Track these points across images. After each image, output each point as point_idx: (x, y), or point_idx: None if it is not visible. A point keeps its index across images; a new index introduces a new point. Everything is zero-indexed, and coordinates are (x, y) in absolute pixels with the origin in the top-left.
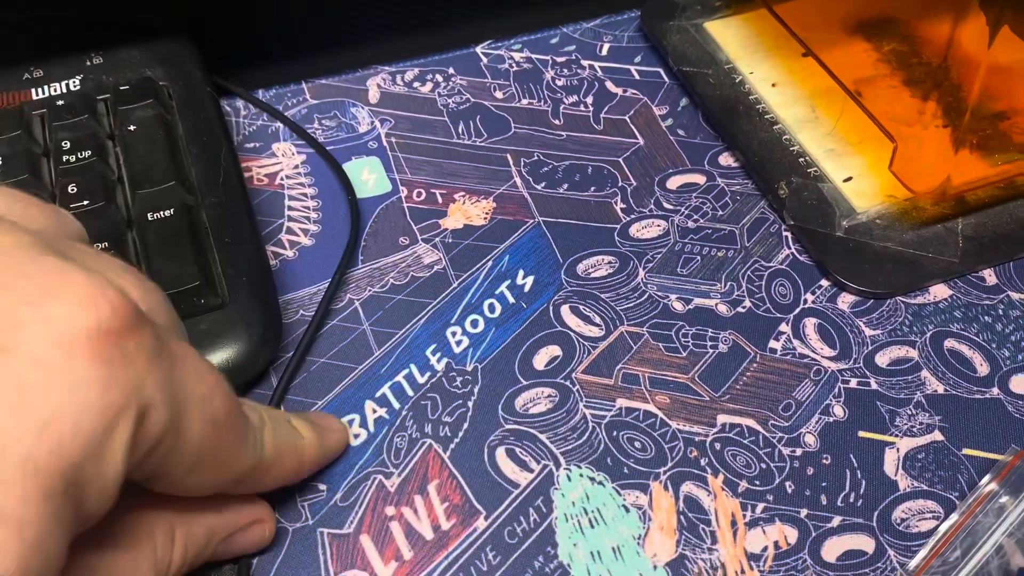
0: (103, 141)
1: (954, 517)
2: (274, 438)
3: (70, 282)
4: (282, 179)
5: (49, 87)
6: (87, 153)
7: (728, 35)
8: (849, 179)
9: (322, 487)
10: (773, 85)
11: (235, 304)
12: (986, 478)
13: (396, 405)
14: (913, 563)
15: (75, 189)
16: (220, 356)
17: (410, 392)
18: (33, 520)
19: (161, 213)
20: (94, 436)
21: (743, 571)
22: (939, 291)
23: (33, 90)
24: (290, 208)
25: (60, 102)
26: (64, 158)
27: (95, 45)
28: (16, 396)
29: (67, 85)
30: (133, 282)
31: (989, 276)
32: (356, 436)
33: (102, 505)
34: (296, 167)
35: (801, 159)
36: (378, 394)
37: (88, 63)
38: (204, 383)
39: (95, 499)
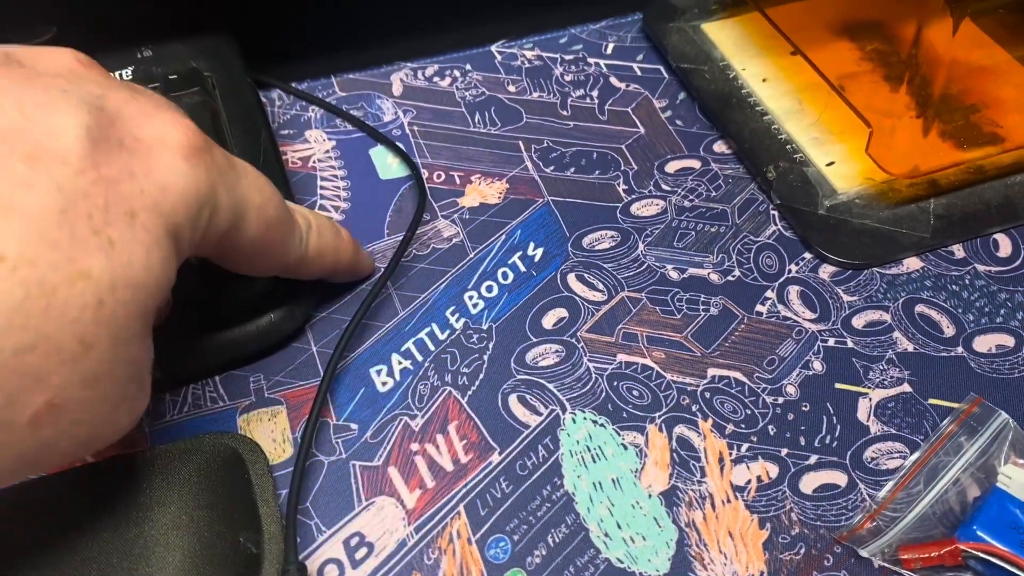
0: None
1: (917, 455)
2: (318, 239)
3: (163, 112)
4: (314, 162)
5: None
6: None
7: (723, 35)
8: (831, 164)
9: (354, 427)
10: (763, 80)
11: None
12: (946, 421)
13: (419, 358)
14: (881, 494)
15: None
16: (263, 317)
17: (431, 347)
18: (160, 240)
19: None
20: (189, 210)
21: (728, 500)
22: (912, 263)
23: None
24: (322, 188)
25: None
26: None
27: (144, 40)
28: (145, 166)
29: (120, 75)
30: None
31: (958, 250)
32: (384, 384)
33: (188, 251)
34: (327, 151)
35: (788, 146)
36: (403, 348)
37: (139, 55)
38: (261, 194)
39: (187, 247)
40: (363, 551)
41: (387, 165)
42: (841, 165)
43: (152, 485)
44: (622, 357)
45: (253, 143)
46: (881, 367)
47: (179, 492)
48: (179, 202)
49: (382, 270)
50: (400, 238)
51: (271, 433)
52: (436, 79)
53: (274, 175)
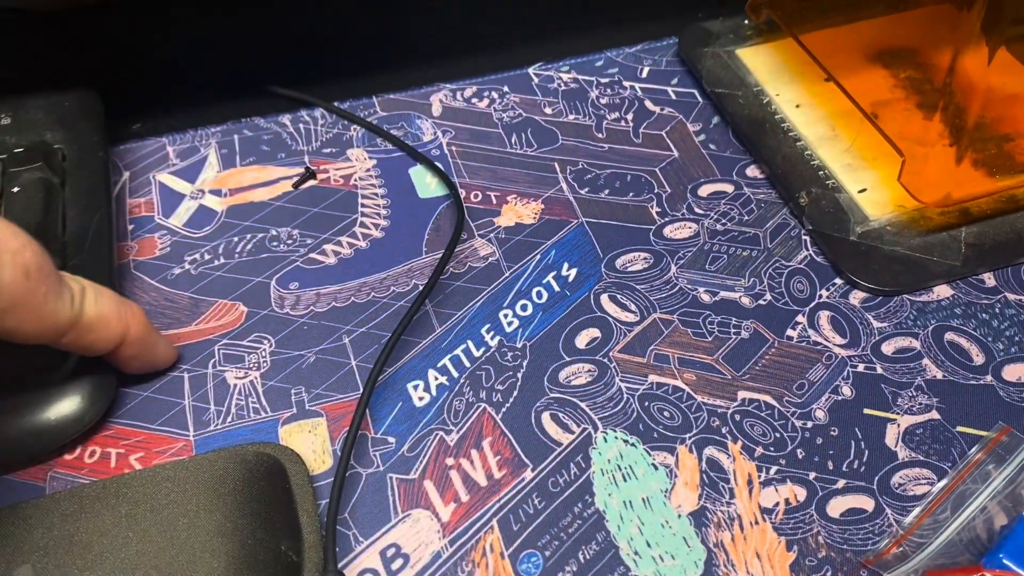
0: None
1: (945, 481)
2: (96, 304)
3: None
4: (355, 180)
5: None
6: None
7: (757, 61)
8: (863, 190)
9: (391, 440)
10: (797, 106)
11: (81, 367)
12: (974, 449)
13: (455, 374)
14: (908, 520)
15: None
16: (60, 408)
17: (467, 363)
18: None
19: None
20: None
21: (756, 522)
22: (942, 291)
23: None
24: (363, 205)
25: None
26: None
27: (7, 107)
28: None
29: None
30: None
31: (988, 279)
32: (420, 399)
33: None
34: (368, 170)
35: (820, 172)
36: (439, 364)
37: None
38: (16, 239)
39: None
40: (399, 562)
41: (426, 184)
42: (873, 192)
43: (199, 492)
44: (654, 378)
45: (85, 226)
46: (910, 394)
47: (224, 500)
48: None
49: (420, 287)
50: (438, 256)
51: (311, 444)
52: (474, 100)
53: (98, 261)
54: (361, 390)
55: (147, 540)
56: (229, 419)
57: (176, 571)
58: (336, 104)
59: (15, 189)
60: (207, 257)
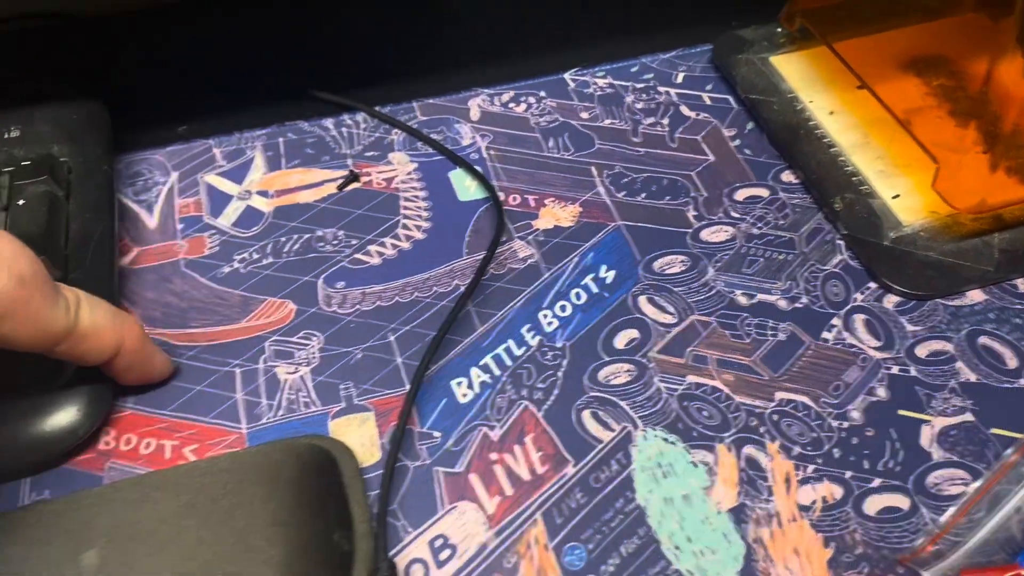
0: None
1: (980, 482)
2: (91, 314)
3: None
4: (397, 183)
5: None
6: None
7: (791, 68)
8: (897, 196)
9: (436, 434)
10: (830, 113)
11: (77, 378)
12: (1009, 450)
13: (497, 372)
14: (943, 519)
15: None
16: (57, 419)
17: (508, 362)
18: None
19: None
20: None
21: (794, 519)
22: (975, 295)
23: None
24: (404, 208)
25: None
26: None
27: (15, 119)
28: None
29: None
30: None
31: (1022, 284)
32: (464, 395)
33: None
34: (409, 173)
35: (854, 178)
36: (481, 362)
37: (5, 135)
38: (11, 247)
39: None
40: (447, 552)
41: (465, 187)
42: (906, 198)
43: (255, 482)
44: (692, 378)
45: (87, 240)
46: (944, 396)
47: (280, 490)
48: None
49: (462, 288)
50: (478, 257)
51: (360, 438)
52: (511, 105)
53: (100, 276)
54: (407, 386)
55: (207, 528)
56: (280, 413)
57: (235, 558)
58: (377, 109)
59: (20, 202)
60: (255, 256)
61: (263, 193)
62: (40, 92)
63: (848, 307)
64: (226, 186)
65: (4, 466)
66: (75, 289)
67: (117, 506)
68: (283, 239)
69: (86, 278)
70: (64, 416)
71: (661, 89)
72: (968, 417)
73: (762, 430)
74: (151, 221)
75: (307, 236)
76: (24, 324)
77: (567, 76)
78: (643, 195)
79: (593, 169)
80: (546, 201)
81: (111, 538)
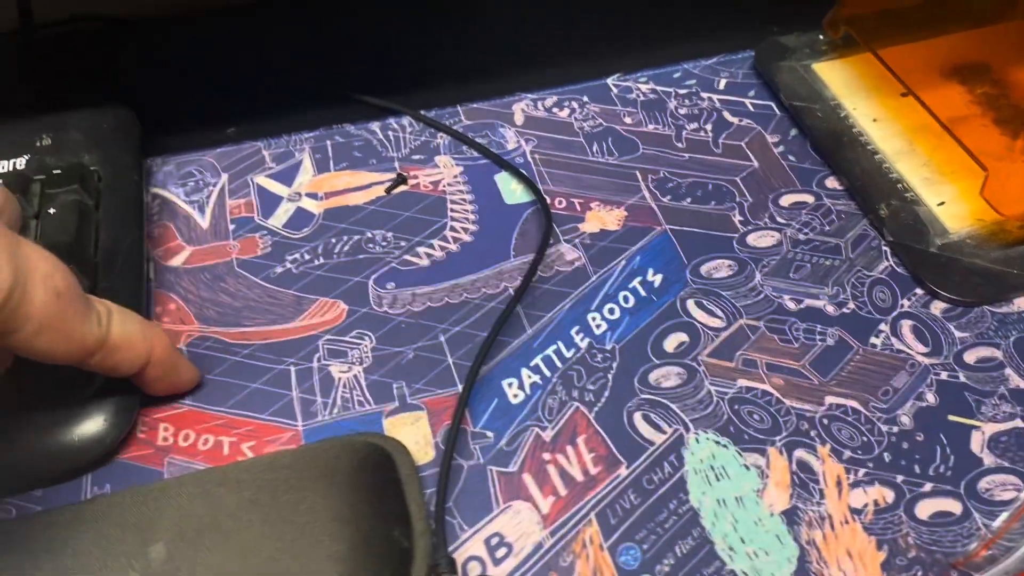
0: (27, 221)
1: None
2: (122, 326)
3: None
4: (444, 186)
5: None
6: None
7: (833, 75)
8: (942, 203)
9: (489, 434)
10: (874, 120)
11: (105, 388)
12: None
13: (547, 373)
14: (996, 524)
15: None
16: (85, 428)
17: (559, 364)
18: None
19: None
20: None
21: (847, 521)
22: (1023, 303)
23: None
24: (452, 210)
25: (0, 181)
26: None
27: (48, 127)
28: None
29: (15, 164)
30: None
31: None
32: (515, 396)
33: None
34: (455, 176)
35: (899, 185)
36: (532, 363)
37: (38, 143)
38: (46, 262)
39: None
40: (503, 551)
41: (511, 191)
42: (952, 205)
43: (315, 479)
44: (742, 382)
45: (115, 249)
46: (993, 402)
47: (340, 487)
48: None
49: (510, 289)
50: (525, 259)
51: (414, 436)
52: (555, 110)
53: (128, 285)
54: (458, 386)
55: (269, 523)
56: (335, 411)
57: (299, 553)
58: (422, 112)
59: (51, 210)
60: (307, 257)
61: (312, 195)
62: (73, 98)
63: (895, 313)
64: (276, 187)
65: (33, 474)
66: (106, 301)
67: (182, 501)
68: (333, 240)
69: (115, 288)
70: (92, 425)
71: (703, 95)
72: (1019, 423)
73: (812, 434)
74: (203, 221)
75: (357, 237)
76: (59, 338)
77: (609, 81)
78: (688, 199)
79: (638, 174)
80: (592, 205)
81: (177, 532)
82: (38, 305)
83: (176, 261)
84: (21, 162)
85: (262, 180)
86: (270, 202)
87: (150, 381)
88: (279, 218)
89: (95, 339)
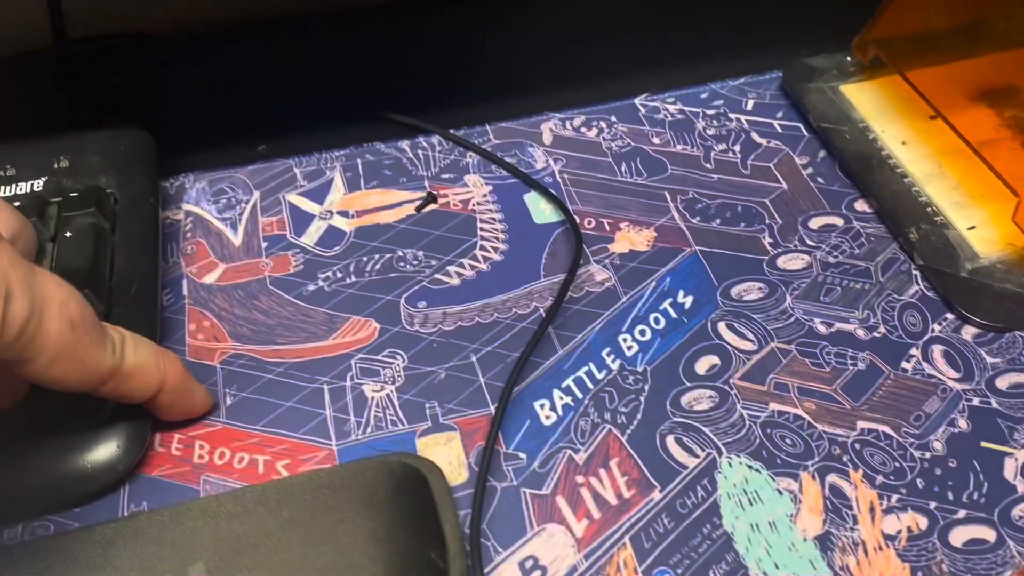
0: (43, 244)
1: None
2: (135, 353)
3: None
4: (473, 205)
5: (16, 186)
6: None
7: (862, 97)
8: (973, 227)
9: (522, 456)
10: (903, 143)
11: (117, 415)
12: None
13: (579, 395)
14: None
15: None
16: (96, 454)
17: (590, 385)
18: None
19: None
20: None
21: (880, 548)
22: None
23: (2, 188)
24: (482, 229)
25: (17, 203)
26: None
27: (65, 148)
28: None
29: (32, 186)
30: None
31: None
32: (547, 417)
33: None
34: (485, 195)
35: (929, 208)
36: (563, 385)
37: (56, 166)
38: (61, 291)
39: None
40: (537, 573)
41: (540, 210)
42: (982, 229)
43: (354, 499)
44: (774, 406)
45: (131, 273)
46: None
47: (377, 507)
48: None
49: (540, 309)
50: (555, 279)
51: (447, 457)
52: (583, 129)
53: (142, 310)
54: (491, 406)
55: (309, 543)
56: (369, 430)
57: (339, 574)
58: (451, 131)
59: (67, 234)
60: (339, 275)
61: (344, 213)
62: (91, 120)
63: (926, 337)
64: (307, 205)
65: (46, 501)
66: (120, 328)
67: (221, 520)
68: (364, 258)
69: (129, 313)
70: (104, 451)
71: (731, 116)
72: None
73: (845, 459)
74: (236, 239)
75: (388, 256)
76: (73, 366)
77: (637, 102)
78: (717, 221)
79: (667, 194)
80: (621, 225)
81: (216, 551)
82: (53, 335)
83: (210, 278)
84: (38, 184)
85: (293, 198)
86: (302, 220)
87: (163, 407)
88: (311, 236)
89: (109, 367)
